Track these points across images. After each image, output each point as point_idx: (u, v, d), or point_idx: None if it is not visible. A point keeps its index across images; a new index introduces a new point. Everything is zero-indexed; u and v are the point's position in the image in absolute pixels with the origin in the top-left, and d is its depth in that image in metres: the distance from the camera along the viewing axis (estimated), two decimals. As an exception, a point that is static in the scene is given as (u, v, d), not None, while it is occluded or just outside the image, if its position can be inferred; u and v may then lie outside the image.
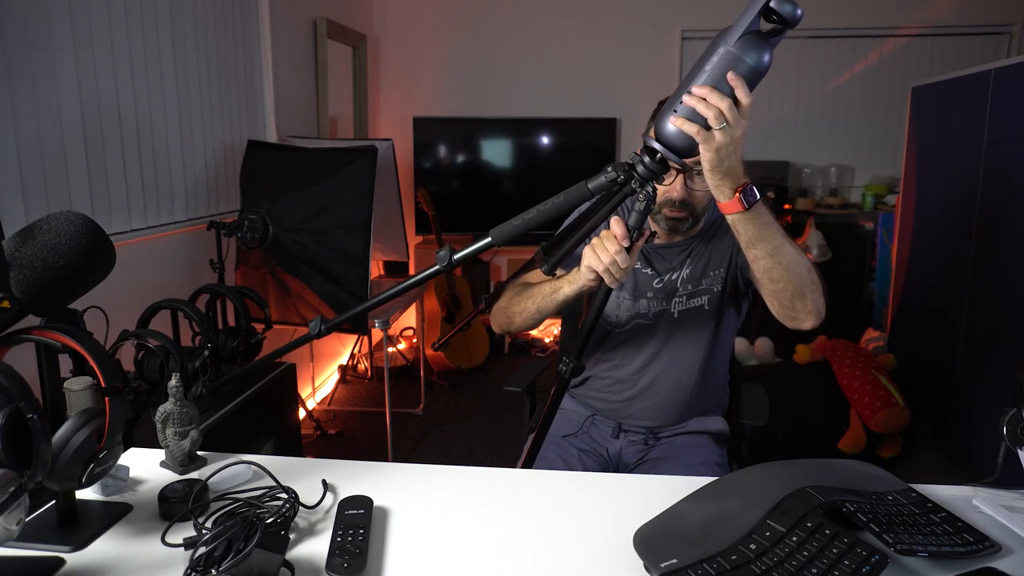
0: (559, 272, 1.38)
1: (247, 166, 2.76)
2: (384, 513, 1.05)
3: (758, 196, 1.13)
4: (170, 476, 1.16)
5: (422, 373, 3.80)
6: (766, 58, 1.04)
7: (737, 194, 1.11)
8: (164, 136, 2.46)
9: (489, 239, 1.15)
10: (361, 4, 4.40)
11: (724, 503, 0.96)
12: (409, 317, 4.49)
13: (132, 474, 1.15)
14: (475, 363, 4.24)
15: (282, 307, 2.77)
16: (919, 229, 3.46)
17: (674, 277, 1.55)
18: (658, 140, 1.07)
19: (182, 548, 0.92)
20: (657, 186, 1.16)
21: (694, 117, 1.02)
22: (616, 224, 1.17)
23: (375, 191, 2.56)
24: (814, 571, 0.82)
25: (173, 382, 1.22)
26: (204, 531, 0.91)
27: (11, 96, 1.80)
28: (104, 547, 0.96)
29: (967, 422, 2.89)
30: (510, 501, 1.09)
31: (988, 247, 2.76)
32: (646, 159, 1.08)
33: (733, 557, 0.85)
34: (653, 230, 1.54)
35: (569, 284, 1.33)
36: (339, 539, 0.94)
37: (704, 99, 1.01)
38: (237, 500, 1.03)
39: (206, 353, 1.89)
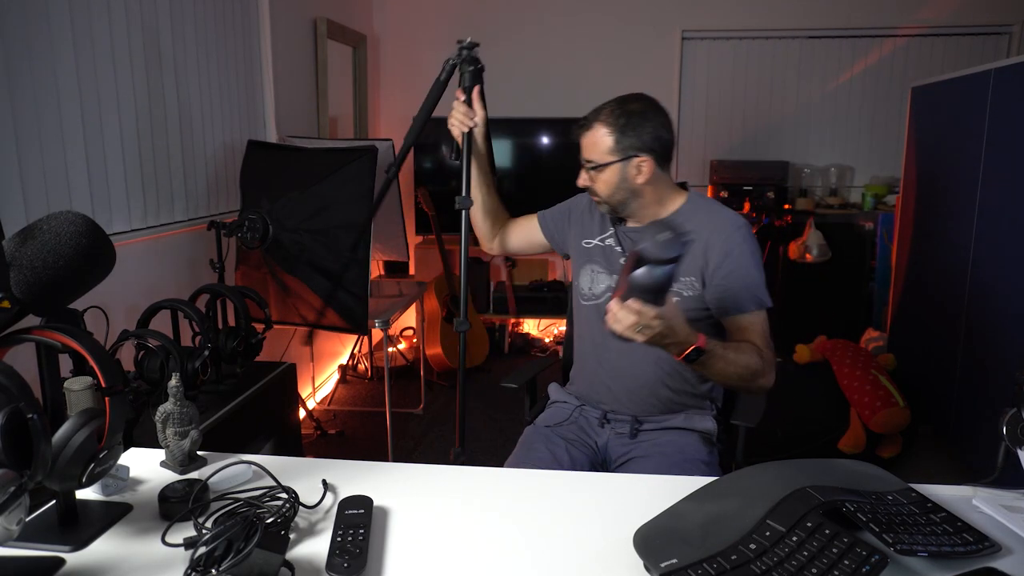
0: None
1: (247, 166, 2.76)
2: (384, 513, 1.05)
3: (698, 357, 1.33)
4: (170, 476, 1.16)
5: (422, 373, 3.80)
6: (657, 273, 1.18)
7: (680, 357, 1.33)
8: (164, 136, 2.46)
9: None
10: (361, 4, 4.40)
11: (724, 503, 0.96)
12: (409, 317, 4.49)
13: (132, 474, 1.15)
14: (475, 363, 4.24)
15: (282, 307, 2.77)
16: (919, 229, 3.46)
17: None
18: None
19: (182, 548, 0.92)
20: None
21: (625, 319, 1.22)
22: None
23: (375, 191, 2.56)
24: (814, 571, 0.82)
25: (173, 382, 1.22)
26: (204, 531, 0.91)
27: (11, 96, 1.80)
28: (104, 547, 0.96)
29: (967, 422, 2.89)
30: (510, 501, 1.09)
31: (988, 247, 2.76)
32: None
33: (733, 557, 0.85)
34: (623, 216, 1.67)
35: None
36: (339, 539, 0.94)
37: (615, 315, 1.22)
38: (237, 500, 1.03)
39: (206, 353, 1.89)
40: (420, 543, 0.97)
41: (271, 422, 2.32)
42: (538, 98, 4.54)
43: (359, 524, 0.97)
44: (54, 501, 1.00)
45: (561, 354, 1.98)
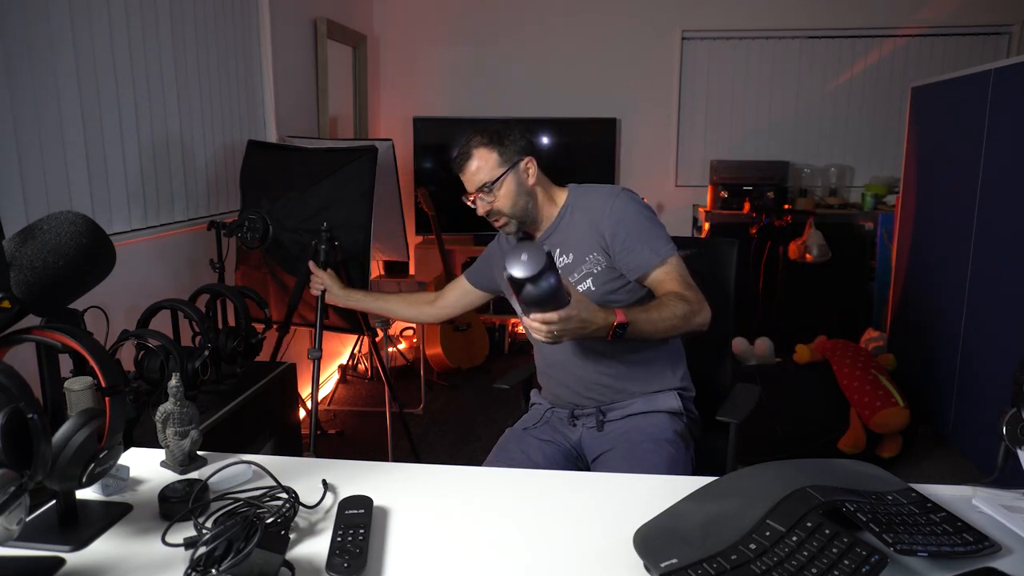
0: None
1: (247, 166, 2.75)
2: (384, 513, 1.05)
3: (624, 330, 1.39)
4: (170, 476, 1.17)
5: (422, 373, 3.80)
6: (538, 287, 1.22)
7: (609, 336, 1.38)
8: (164, 136, 2.46)
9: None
10: (361, 4, 4.40)
11: (724, 503, 0.96)
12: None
13: (132, 474, 1.15)
14: (475, 363, 4.24)
15: (282, 307, 2.77)
16: (919, 229, 3.46)
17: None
18: None
19: (182, 548, 0.92)
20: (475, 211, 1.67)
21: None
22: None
23: (375, 191, 2.56)
24: (814, 571, 0.82)
25: (173, 382, 1.22)
26: (204, 531, 0.91)
27: (11, 96, 1.80)
28: (104, 547, 0.96)
29: (967, 422, 2.89)
30: (510, 501, 1.09)
31: (988, 247, 2.76)
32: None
33: (733, 557, 0.85)
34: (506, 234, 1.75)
35: None
36: (339, 539, 0.94)
37: (530, 329, 1.32)
38: (237, 500, 1.03)
39: (206, 353, 1.89)
40: (420, 543, 0.97)
41: (271, 422, 2.31)
42: (538, 98, 4.54)
43: (359, 524, 0.97)
44: (54, 501, 1.00)
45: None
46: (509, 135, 1.65)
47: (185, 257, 2.58)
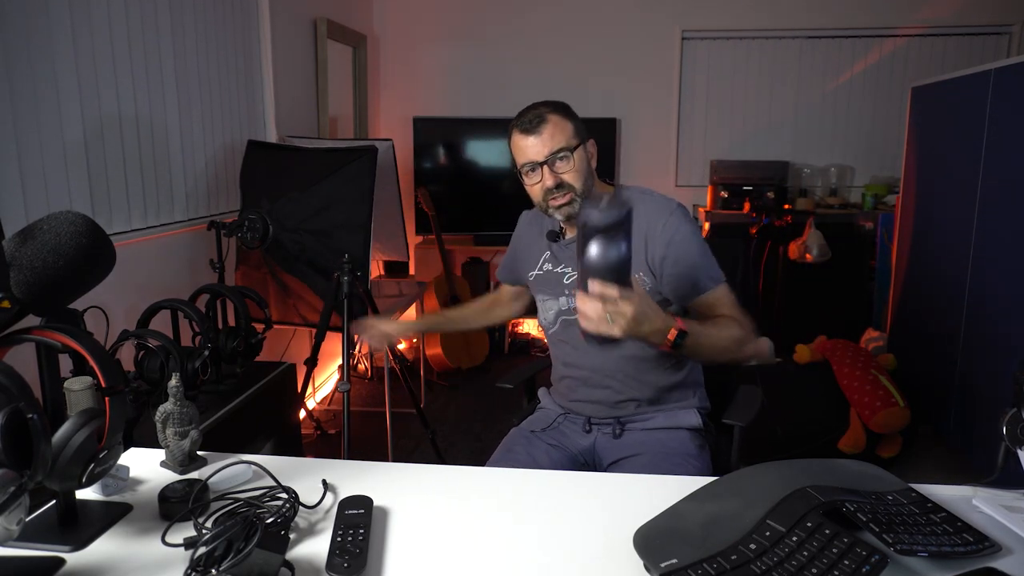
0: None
1: (247, 166, 2.76)
2: (384, 513, 1.05)
3: (684, 339, 1.26)
4: (170, 476, 1.16)
5: (422, 373, 3.80)
6: (610, 250, 1.09)
7: (667, 344, 1.26)
8: (164, 136, 2.46)
9: None
10: (361, 4, 4.40)
11: (724, 503, 0.96)
12: (409, 317, 4.48)
13: (132, 474, 1.15)
14: (475, 363, 4.24)
15: (282, 307, 2.77)
16: (919, 229, 3.46)
17: None
18: None
19: (182, 548, 0.92)
20: (531, 188, 1.54)
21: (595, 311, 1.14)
22: None
23: (375, 191, 2.56)
24: (814, 571, 0.82)
25: (173, 382, 1.22)
26: (204, 531, 0.91)
27: (11, 96, 1.80)
28: (104, 547, 0.96)
29: (967, 422, 2.89)
30: (510, 501, 1.09)
31: (988, 247, 2.76)
32: None
33: (733, 557, 0.85)
34: (560, 227, 1.63)
35: None
36: (339, 539, 0.94)
37: (583, 312, 1.14)
38: (237, 500, 1.03)
39: (206, 353, 1.89)
40: (420, 543, 0.97)
41: (271, 422, 2.31)
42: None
43: (359, 524, 0.97)
44: (54, 501, 1.00)
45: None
46: (574, 114, 1.56)
47: (185, 257, 2.58)
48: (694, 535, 0.90)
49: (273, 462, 1.17)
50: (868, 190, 4.26)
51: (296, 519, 1.01)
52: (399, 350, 4.37)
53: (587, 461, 1.63)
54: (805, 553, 0.84)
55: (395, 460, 2.97)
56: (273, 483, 1.07)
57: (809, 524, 0.88)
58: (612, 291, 1.11)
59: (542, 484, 1.16)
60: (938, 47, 4.33)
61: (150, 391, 1.81)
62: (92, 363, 0.92)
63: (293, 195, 2.59)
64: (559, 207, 1.52)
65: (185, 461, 1.19)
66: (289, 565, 0.88)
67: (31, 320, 0.93)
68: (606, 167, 4.52)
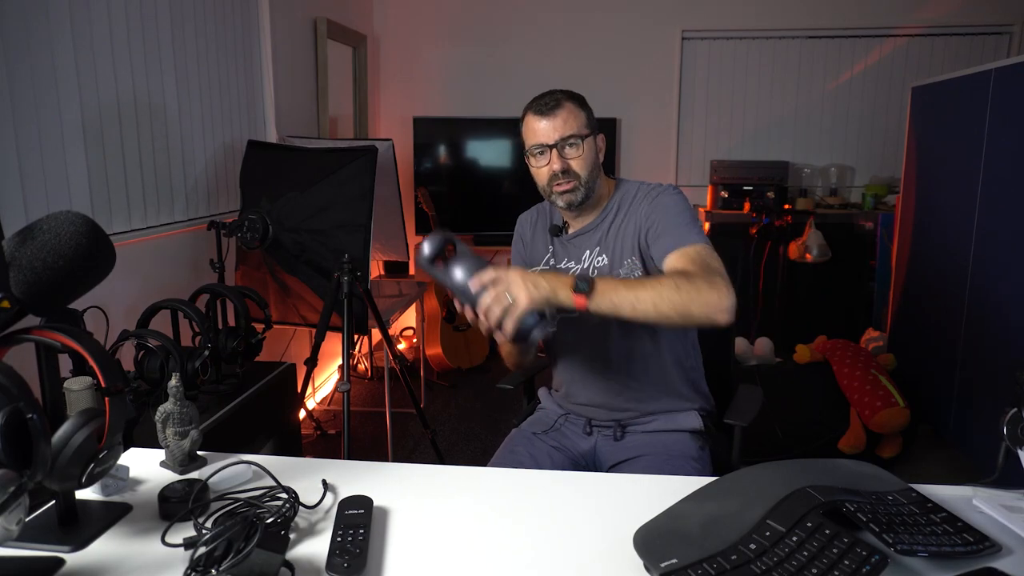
0: None
1: (247, 166, 2.75)
2: (384, 513, 1.04)
3: (587, 286, 1.21)
4: (170, 476, 1.16)
5: (422, 373, 3.80)
6: (463, 261, 1.23)
7: (573, 295, 1.21)
8: (164, 136, 2.46)
9: None
10: (361, 4, 4.40)
11: (724, 503, 0.96)
12: (409, 317, 4.49)
13: (132, 474, 1.15)
14: (475, 363, 4.24)
15: (282, 307, 2.77)
16: (919, 229, 3.46)
17: (586, 266, 1.58)
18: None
19: (182, 548, 0.92)
20: (537, 171, 1.53)
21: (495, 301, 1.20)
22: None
23: (375, 191, 2.56)
24: (814, 571, 0.82)
25: (173, 382, 1.22)
26: (204, 531, 0.91)
27: (11, 96, 1.80)
28: (104, 547, 0.96)
29: (967, 422, 2.89)
30: (510, 501, 1.09)
31: (988, 247, 2.76)
32: None
33: (733, 557, 0.85)
34: (563, 222, 1.63)
35: None
36: (339, 539, 0.93)
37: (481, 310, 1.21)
38: (237, 500, 1.03)
39: (206, 353, 1.89)
40: (420, 543, 0.97)
41: (271, 422, 2.31)
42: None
43: (359, 524, 0.97)
44: (54, 501, 1.00)
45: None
46: (587, 106, 1.56)
47: (185, 257, 2.58)
48: (694, 535, 0.90)
49: (273, 462, 1.17)
50: (868, 190, 4.26)
51: (296, 519, 1.01)
52: (399, 350, 4.37)
53: (588, 464, 1.63)
54: (805, 553, 0.84)
55: (395, 460, 2.97)
56: (273, 483, 1.07)
57: (809, 524, 0.88)
58: (487, 275, 1.21)
59: (542, 484, 1.16)
60: (938, 47, 4.33)
61: (150, 391, 1.81)
62: (92, 363, 0.92)
63: (293, 195, 2.59)
64: (562, 192, 1.52)
65: (185, 461, 1.19)
66: (289, 565, 0.88)
67: (31, 320, 0.93)
68: (607, 167, 4.50)
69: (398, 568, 0.91)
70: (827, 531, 0.86)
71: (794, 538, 0.86)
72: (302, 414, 3.15)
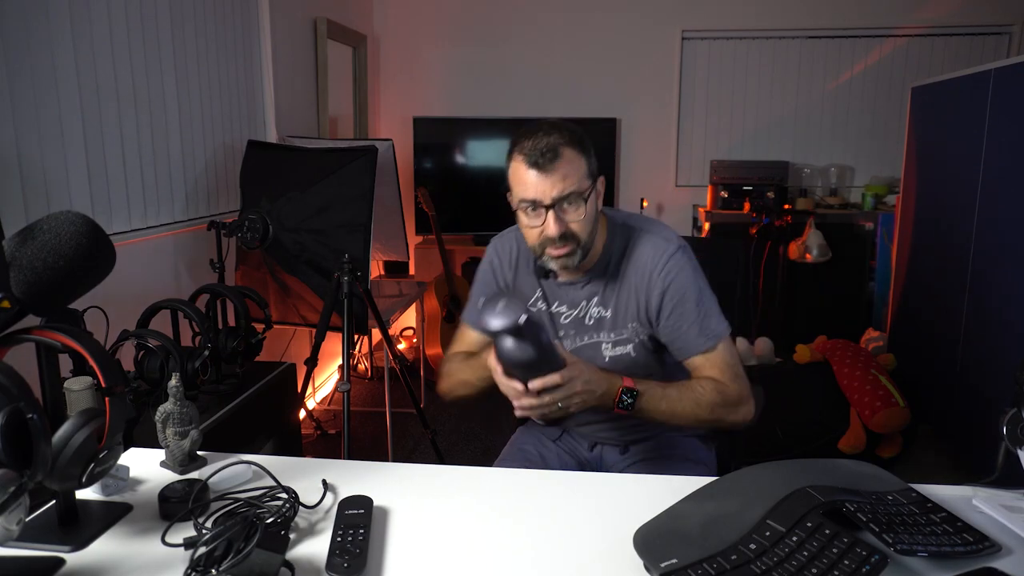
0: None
1: (247, 166, 2.75)
2: (384, 513, 1.05)
3: (633, 399, 1.23)
4: (170, 476, 1.16)
5: (422, 373, 3.80)
6: (532, 345, 1.09)
7: (615, 408, 1.21)
8: (164, 136, 2.46)
9: None
10: (361, 4, 4.40)
11: (724, 503, 0.96)
12: (409, 317, 4.49)
13: (132, 474, 1.15)
14: (475, 363, 4.23)
15: (282, 307, 2.77)
16: (919, 229, 3.46)
17: (581, 315, 1.44)
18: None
19: (182, 548, 0.92)
20: (527, 229, 1.33)
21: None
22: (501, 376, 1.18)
23: (375, 191, 2.56)
24: (814, 571, 0.82)
25: (173, 382, 1.22)
26: (204, 531, 0.91)
27: (11, 96, 1.80)
28: (104, 547, 0.96)
29: (967, 422, 2.88)
30: (510, 501, 1.09)
31: (988, 247, 2.76)
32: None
33: (733, 557, 0.85)
34: (552, 268, 1.39)
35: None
36: (339, 539, 0.94)
37: (522, 406, 1.15)
38: (237, 500, 1.03)
39: (206, 353, 1.89)
40: (420, 543, 0.97)
41: (271, 422, 2.31)
42: (538, 98, 4.54)
43: (359, 524, 0.97)
44: (54, 501, 1.00)
45: None
46: (588, 143, 1.33)
47: (185, 257, 2.58)
48: (694, 535, 0.90)
49: (273, 462, 1.17)
50: (868, 190, 4.26)
51: (296, 519, 1.01)
52: (399, 350, 4.37)
53: (595, 467, 1.60)
54: (805, 553, 0.84)
55: (395, 460, 2.97)
56: (273, 483, 1.07)
57: (809, 524, 0.88)
58: (554, 378, 1.12)
59: (542, 484, 1.16)
60: (938, 47, 4.33)
61: (150, 391, 1.81)
62: (92, 363, 0.92)
63: (293, 195, 2.59)
64: (557, 258, 1.33)
65: (185, 461, 1.19)
66: (289, 565, 0.88)
67: (31, 320, 0.93)
68: (606, 167, 4.52)
69: (398, 568, 0.91)
70: (827, 531, 0.86)
71: (794, 538, 0.86)
72: (302, 414, 3.15)
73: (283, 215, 2.56)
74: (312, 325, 2.71)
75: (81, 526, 0.99)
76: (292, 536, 0.97)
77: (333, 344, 4.07)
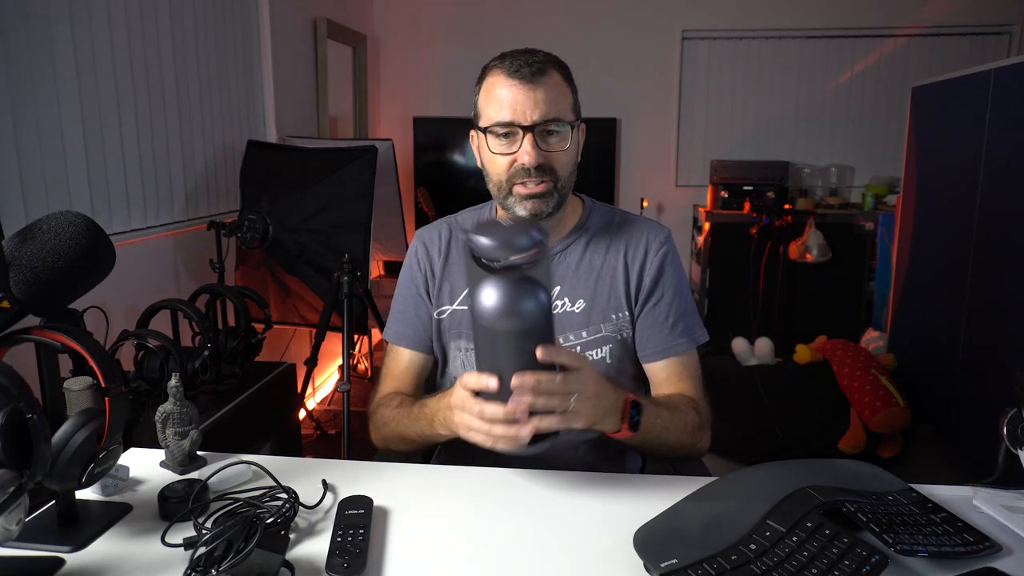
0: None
1: (247, 166, 2.76)
2: (384, 513, 1.04)
3: (640, 417, 1.03)
4: (170, 476, 1.16)
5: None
6: (535, 300, 0.79)
7: (624, 424, 1.01)
8: (164, 136, 2.46)
9: None
10: (361, 4, 4.40)
11: (724, 503, 0.96)
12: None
13: (132, 474, 1.15)
14: (475, 363, 4.23)
15: (282, 307, 2.77)
16: (919, 229, 3.46)
17: (556, 303, 1.21)
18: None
19: (182, 548, 0.92)
20: (495, 157, 1.10)
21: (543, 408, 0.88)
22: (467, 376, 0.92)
23: (375, 191, 2.56)
24: (814, 571, 0.82)
25: (173, 382, 1.22)
26: (204, 531, 0.91)
27: (11, 96, 1.80)
28: (104, 547, 0.96)
29: (967, 422, 2.88)
30: (510, 501, 1.09)
31: (988, 247, 2.76)
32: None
33: (733, 557, 0.85)
34: (519, 212, 1.17)
35: (445, 430, 1.12)
36: (339, 539, 0.93)
37: (530, 396, 0.86)
38: (237, 500, 1.03)
39: (206, 353, 1.89)
40: (420, 543, 0.97)
41: (271, 422, 2.31)
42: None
43: (359, 524, 0.96)
44: (54, 501, 1.00)
45: None
46: (575, 84, 1.19)
47: (185, 257, 2.58)
48: (694, 535, 0.90)
49: (273, 462, 1.17)
50: (868, 190, 4.26)
51: (296, 519, 1.01)
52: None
53: None
54: (805, 553, 0.84)
55: (395, 460, 2.96)
56: (273, 483, 1.07)
57: (809, 524, 0.88)
58: (564, 354, 0.87)
59: (542, 484, 1.16)
60: (938, 47, 4.33)
61: (150, 391, 1.81)
62: (92, 363, 0.92)
63: (293, 195, 2.59)
64: (530, 196, 1.12)
65: (185, 461, 1.19)
66: (289, 565, 0.87)
67: (31, 320, 0.93)
68: (606, 167, 4.52)
69: (398, 568, 0.91)
70: (827, 531, 0.86)
71: (794, 538, 0.86)
72: (302, 414, 3.15)
73: (283, 215, 2.56)
74: (312, 325, 2.71)
75: (81, 526, 0.99)
76: (292, 536, 0.97)
77: (333, 344, 4.07)
